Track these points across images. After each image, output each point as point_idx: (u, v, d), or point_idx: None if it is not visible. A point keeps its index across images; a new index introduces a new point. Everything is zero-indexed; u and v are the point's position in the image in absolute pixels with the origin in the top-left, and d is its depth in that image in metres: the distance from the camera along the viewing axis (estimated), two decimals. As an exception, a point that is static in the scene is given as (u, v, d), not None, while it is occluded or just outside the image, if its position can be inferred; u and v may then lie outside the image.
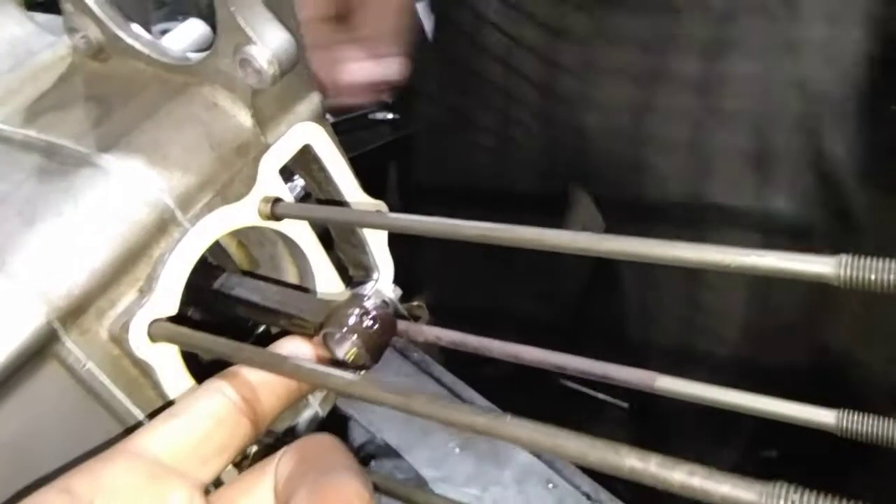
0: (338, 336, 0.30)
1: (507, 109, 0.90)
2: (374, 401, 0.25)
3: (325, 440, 0.29)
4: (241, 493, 0.29)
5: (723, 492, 0.19)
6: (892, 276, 0.22)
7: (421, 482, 0.71)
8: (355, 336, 0.30)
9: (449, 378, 0.88)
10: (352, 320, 0.30)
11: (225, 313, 0.36)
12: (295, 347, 0.32)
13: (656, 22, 0.74)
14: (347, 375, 0.26)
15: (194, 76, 0.36)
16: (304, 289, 0.39)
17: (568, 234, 0.27)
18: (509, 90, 0.88)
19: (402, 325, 0.35)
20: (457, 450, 0.87)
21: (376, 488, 0.31)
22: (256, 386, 0.30)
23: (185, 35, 0.39)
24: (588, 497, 0.80)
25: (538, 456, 0.82)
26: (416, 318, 0.40)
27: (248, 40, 0.32)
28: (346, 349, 0.30)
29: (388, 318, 0.31)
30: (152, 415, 0.32)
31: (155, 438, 0.29)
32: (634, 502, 0.76)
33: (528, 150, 0.91)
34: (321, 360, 0.31)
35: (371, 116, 1.68)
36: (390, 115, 1.68)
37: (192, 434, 0.29)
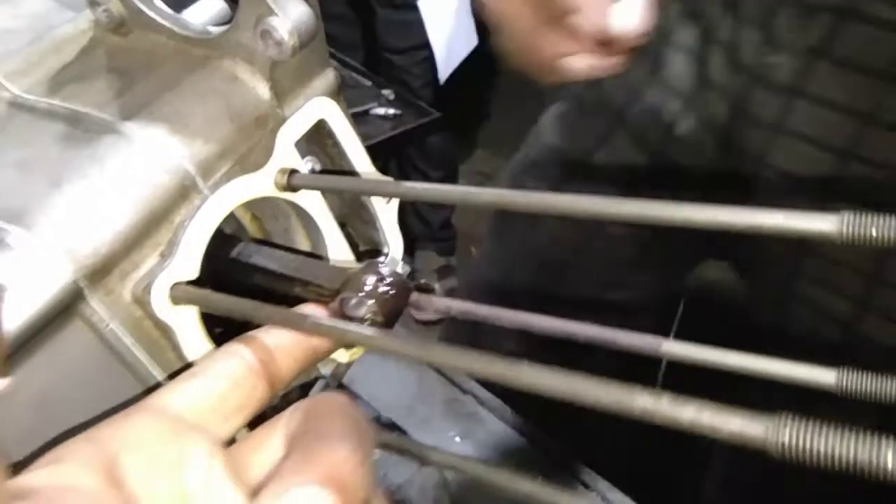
0: (354, 301, 0.31)
1: None
2: (394, 353, 0.26)
3: (333, 401, 0.30)
4: (253, 448, 0.29)
5: (731, 428, 0.20)
6: (892, 233, 0.23)
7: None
8: (372, 300, 0.31)
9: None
10: (368, 285, 0.31)
11: (242, 282, 0.37)
12: (312, 313, 0.33)
13: None
14: (366, 330, 0.27)
15: (215, 49, 0.37)
16: (319, 257, 0.39)
17: (582, 198, 0.28)
18: None
19: (413, 295, 0.36)
20: (457, 438, 0.88)
21: (388, 447, 0.32)
22: (273, 350, 0.31)
23: (205, 9, 0.40)
24: (585, 485, 0.81)
25: (532, 442, 0.84)
26: (428, 292, 0.41)
27: (270, 11, 0.33)
28: (363, 313, 0.31)
29: (403, 284, 0.32)
30: (171, 376, 0.33)
31: (177, 396, 0.29)
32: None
33: None
34: None
35: (373, 112, 1.70)
36: (392, 111, 1.70)
37: (211, 393, 0.29)
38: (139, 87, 0.36)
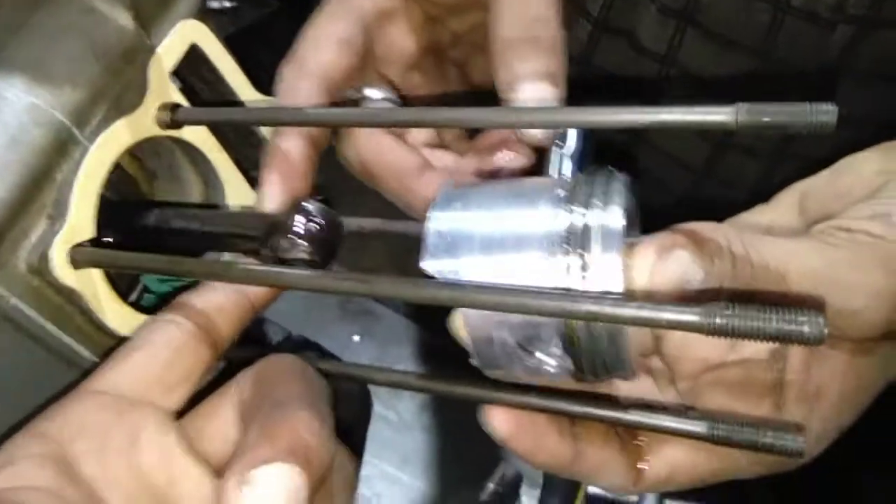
0: (286, 245, 0.30)
1: None
2: (335, 291, 0.26)
3: (283, 364, 0.29)
4: (206, 417, 0.29)
5: (667, 317, 0.22)
6: (781, 118, 0.25)
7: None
8: (304, 241, 0.30)
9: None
10: (297, 226, 0.30)
11: (168, 248, 0.35)
12: (239, 260, 0.32)
13: None
14: (302, 272, 0.27)
15: (61, -22, 0.33)
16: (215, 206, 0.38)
17: (491, 111, 0.28)
18: None
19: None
20: (356, 337, 0.90)
21: (328, 375, 0.32)
22: (209, 312, 0.30)
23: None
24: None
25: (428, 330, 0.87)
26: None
27: (124, -66, 0.30)
28: (297, 254, 0.30)
29: (334, 218, 0.31)
30: (107, 353, 0.31)
31: (118, 374, 0.28)
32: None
33: None
34: None
35: (208, 5, 1.56)
36: (228, 4, 1.57)
37: (153, 365, 0.28)
38: (-23, 32, 0.32)
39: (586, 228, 0.25)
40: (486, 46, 0.36)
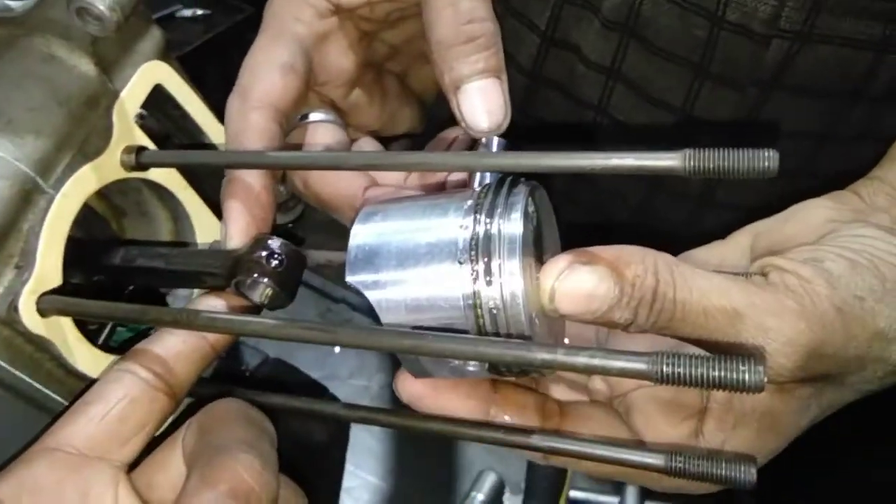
0: (249, 282, 0.30)
1: None
2: (300, 339, 0.26)
3: (225, 409, 0.30)
4: (157, 468, 0.29)
5: (618, 365, 0.23)
6: (726, 163, 0.26)
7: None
8: (267, 278, 0.30)
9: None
10: (260, 263, 0.30)
11: (132, 287, 0.35)
12: (209, 304, 0.32)
13: None
14: (266, 321, 0.27)
15: (21, 27, 0.33)
16: (185, 244, 0.38)
17: (450, 155, 0.29)
18: None
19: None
20: (337, 349, 0.90)
21: (301, 413, 0.33)
22: (167, 358, 0.30)
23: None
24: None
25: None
26: (300, 241, 0.41)
27: (82, -13, 0.30)
28: (261, 292, 0.31)
29: (296, 253, 0.32)
30: (75, 399, 0.31)
31: (72, 430, 0.28)
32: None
33: None
34: (238, 310, 0.31)
35: (179, 15, 1.55)
36: (200, 12, 1.56)
37: (108, 419, 0.29)
38: (-63, 82, 0.32)
39: (489, 236, 0.27)
40: (425, 54, 0.36)
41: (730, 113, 0.47)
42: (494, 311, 0.27)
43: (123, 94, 0.35)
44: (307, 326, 0.26)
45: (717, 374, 0.22)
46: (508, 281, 0.27)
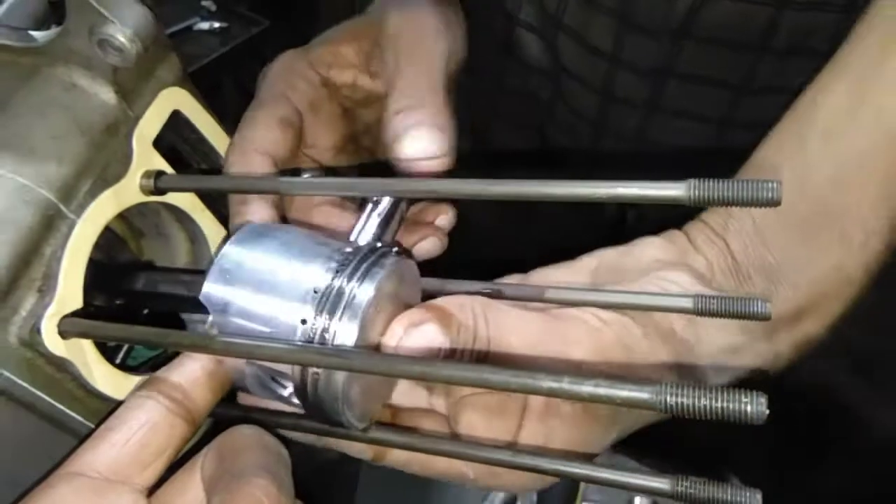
0: None
1: None
2: (314, 364, 0.27)
3: (243, 436, 0.30)
4: (177, 492, 0.30)
5: (623, 395, 0.24)
6: (730, 193, 0.26)
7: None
8: None
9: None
10: None
11: (155, 312, 0.36)
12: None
13: None
14: (282, 345, 0.28)
15: (44, 57, 0.34)
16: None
17: (456, 182, 0.30)
18: None
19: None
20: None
21: (314, 432, 0.33)
22: (185, 385, 0.31)
23: (18, 8, 0.36)
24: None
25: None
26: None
27: (104, 20, 0.31)
28: None
29: None
30: (98, 423, 0.32)
31: (94, 455, 0.29)
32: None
33: None
34: None
35: (196, 27, 1.57)
36: (217, 25, 1.58)
37: (129, 444, 0.30)
38: (-37, 111, 0.33)
39: (339, 295, 0.29)
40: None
41: (652, 60, 0.53)
42: (316, 375, 0.29)
43: (142, 121, 0.36)
44: (322, 352, 0.27)
45: (720, 405, 0.22)
46: (342, 341, 0.29)
